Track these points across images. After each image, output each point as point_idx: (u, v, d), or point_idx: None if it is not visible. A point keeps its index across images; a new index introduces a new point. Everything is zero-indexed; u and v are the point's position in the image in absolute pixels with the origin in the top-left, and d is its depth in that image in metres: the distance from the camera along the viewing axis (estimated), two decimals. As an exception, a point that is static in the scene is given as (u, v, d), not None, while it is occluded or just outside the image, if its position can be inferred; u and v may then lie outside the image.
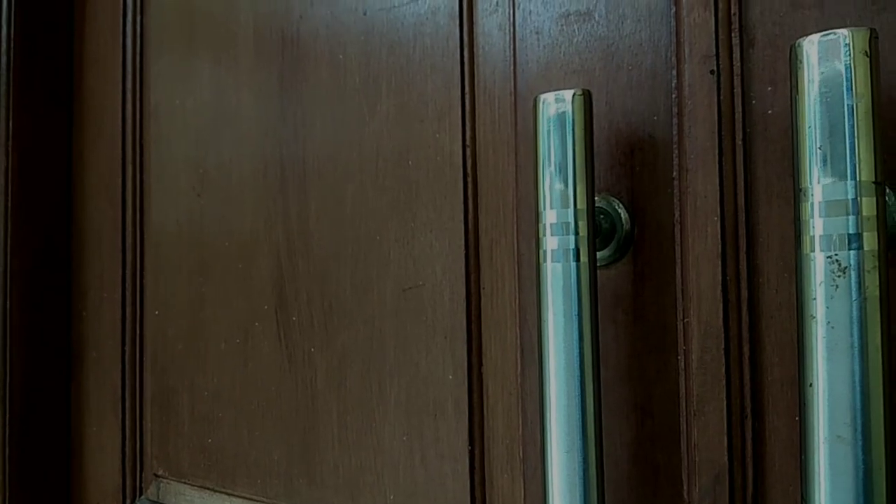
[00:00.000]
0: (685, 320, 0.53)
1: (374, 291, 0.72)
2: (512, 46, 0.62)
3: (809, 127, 0.42)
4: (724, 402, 0.51)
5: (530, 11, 0.62)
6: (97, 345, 0.97)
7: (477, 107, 0.65)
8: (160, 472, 0.90)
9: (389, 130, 0.71)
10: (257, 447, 0.81)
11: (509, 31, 0.63)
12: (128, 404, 0.94)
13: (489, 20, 0.65)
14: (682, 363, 0.53)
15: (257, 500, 0.81)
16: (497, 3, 0.64)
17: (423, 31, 0.69)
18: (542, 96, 0.52)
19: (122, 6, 0.97)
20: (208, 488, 0.85)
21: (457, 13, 0.67)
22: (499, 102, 0.64)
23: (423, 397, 0.68)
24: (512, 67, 0.62)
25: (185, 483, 0.88)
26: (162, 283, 0.91)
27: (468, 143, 0.65)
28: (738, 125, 0.52)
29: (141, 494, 0.92)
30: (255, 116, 0.83)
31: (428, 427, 0.67)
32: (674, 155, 0.54)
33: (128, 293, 0.94)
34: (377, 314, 0.71)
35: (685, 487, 0.52)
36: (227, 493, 0.84)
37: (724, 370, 0.51)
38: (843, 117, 0.40)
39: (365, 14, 0.73)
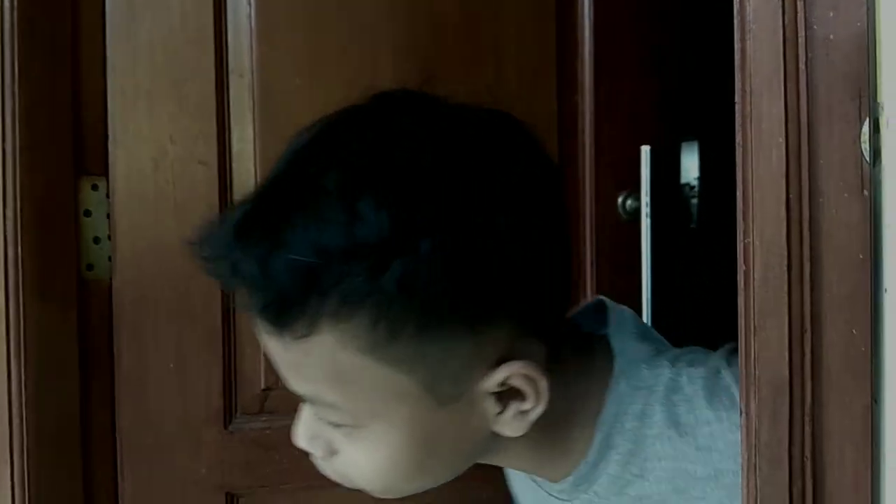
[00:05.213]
0: (746, 240, 0.54)
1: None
2: None
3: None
4: (786, 318, 0.52)
5: None
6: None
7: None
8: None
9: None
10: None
11: None
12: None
13: None
14: (743, 282, 0.54)
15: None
16: None
17: None
18: None
19: None
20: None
21: None
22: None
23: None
24: None
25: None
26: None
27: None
28: (802, 49, 0.53)
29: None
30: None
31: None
32: (737, 79, 0.55)
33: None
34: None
35: (744, 399, 0.54)
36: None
37: (786, 287, 0.52)
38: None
39: None
